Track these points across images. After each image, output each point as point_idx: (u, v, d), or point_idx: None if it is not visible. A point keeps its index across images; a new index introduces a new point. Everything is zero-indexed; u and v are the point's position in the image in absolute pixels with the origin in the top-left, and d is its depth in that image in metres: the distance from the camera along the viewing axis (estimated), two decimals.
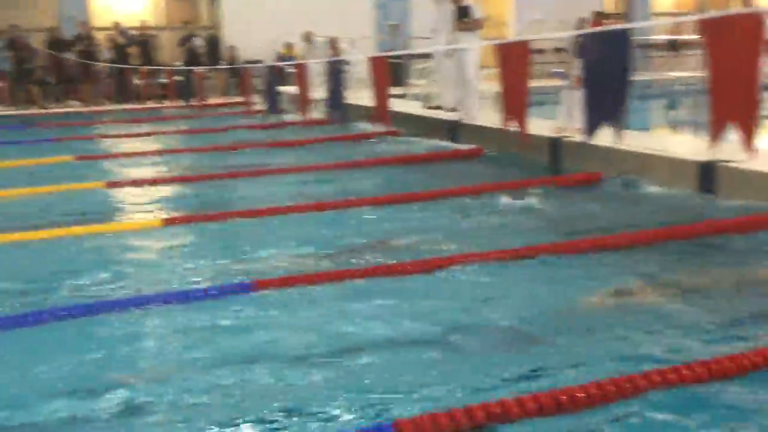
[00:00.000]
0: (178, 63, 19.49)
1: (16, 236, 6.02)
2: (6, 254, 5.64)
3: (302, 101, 14.26)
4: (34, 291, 4.75)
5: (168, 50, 20.82)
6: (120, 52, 19.05)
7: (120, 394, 3.29)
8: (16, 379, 3.49)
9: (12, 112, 17.49)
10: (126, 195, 7.92)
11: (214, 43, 20.26)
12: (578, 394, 2.99)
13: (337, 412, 3.09)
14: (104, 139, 13.34)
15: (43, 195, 7.96)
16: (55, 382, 3.43)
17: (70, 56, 18.35)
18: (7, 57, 17.92)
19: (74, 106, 18.37)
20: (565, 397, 2.97)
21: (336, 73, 12.65)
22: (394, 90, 12.14)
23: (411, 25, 20.38)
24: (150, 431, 3.01)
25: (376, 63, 10.92)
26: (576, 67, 8.47)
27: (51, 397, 3.29)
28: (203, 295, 4.44)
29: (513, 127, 7.82)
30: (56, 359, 3.68)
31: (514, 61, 7.79)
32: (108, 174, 9.26)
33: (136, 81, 19.27)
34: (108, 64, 19.07)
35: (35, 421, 3.12)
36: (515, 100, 7.72)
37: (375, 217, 6.36)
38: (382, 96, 10.75)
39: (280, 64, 16.69)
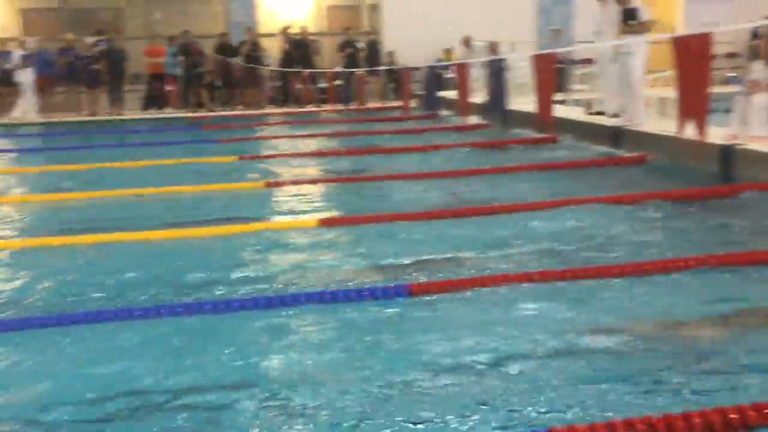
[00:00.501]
0: (338, 68, 19.86)
1: (180, 233, 6.23)
2: (168, 249, 5.84)
3: (462, 105, 14.18)
4: (193, 284, 4.88)
5: (328, 55, 21.27)
6: (284, 57, 19.60)
7: (267, 390, 3.30)
8: (168, 367, 3.57)
9: (182, 114, 18.33)
10: (284, 194, 8.06)
11: (373, 48, 20.51)
12: (749, 413, 2.78)
13: (489, 418, 2.98)
14: (266, 141, 13.72)
15: (207, 192, 8.23)
16: (206, 373, 3.49)
17: (238, 61, 19.02)
18: (179, 62, 18.78)
19: (239, 109, 19.05)
20: (735, 415, 2.76)
21: (497, 75, 12.48)
22: (555, 96, 11.84)
23: (574, 30, 19.89)
24: (297, 428, 2.99)
25: (541, 63, 10.65)
26: (754, 71, 7.96)
27: (202, 387, 3.34)
28: (357, 296, 4.42)
29: (688, 132, 7.33)
30: (210, 351, 3.75)
31: (693, 59, 7.25)
32: (268, 174, 9.48)
33: (298, 85, 19.76)
34: (272, 67, 19.63)
35: (178, 408, 3.17)
36: (694, 102, 7.21)
37: (532, 221, 6.17)
38: (545, 97, 10.49)
39: (440, 64, 16.66)
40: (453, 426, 2.96)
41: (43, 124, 17.12)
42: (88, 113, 18.27)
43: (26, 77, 17.38)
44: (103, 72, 18.31)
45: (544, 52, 11.44)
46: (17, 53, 17.43)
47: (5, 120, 17.70)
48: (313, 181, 8.71)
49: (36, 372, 3.61)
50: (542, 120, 10.67)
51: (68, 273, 5.23)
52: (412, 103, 18.18)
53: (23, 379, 3.54)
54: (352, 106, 19.17)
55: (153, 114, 18.55)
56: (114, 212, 7.39)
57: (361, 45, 20.19)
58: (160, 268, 5.25)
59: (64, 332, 4.03)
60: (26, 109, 17.50)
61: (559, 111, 11.59)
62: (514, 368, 3.43)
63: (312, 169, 9.77)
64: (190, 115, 18.21)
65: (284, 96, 19.97)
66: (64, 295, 4.72)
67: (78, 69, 18.18)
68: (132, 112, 18.79)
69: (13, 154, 12.53)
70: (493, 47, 16.58)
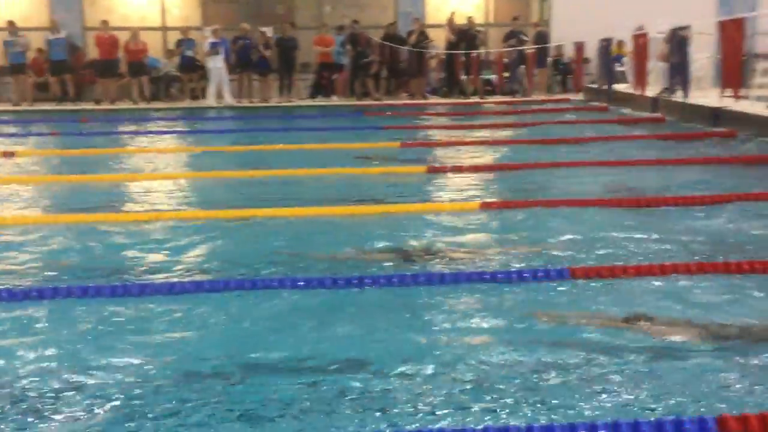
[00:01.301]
0: (504, 60, 19.64)
1: (343, 210, 6.35)
2: (327, 226, 5.97)
3: (636, 97, 13.72)
4: (353, 259, 4.97)
5: (494, 47, 21.05)
6: (449, 47, 19.56)
7: (426, 365, 3.28)
8: (323, 337, 3.63)
9: (348, 102, 18.65)
10: (446, 179, 8.06)
11: (541, 40, 20.11)
12: None
13: (649, 404, 2.88)
14: (428, 129, 13.75)
15: (371, 175, 8.35)
16: (372, 345, 3.54)
17: (404, 51, 19.12)
18: (347, 52, 19.12)
19: (403, 99, 19.18)
20: None
21: (679, 54, 11.97)
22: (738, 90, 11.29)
23: (757, 22, 18.74)
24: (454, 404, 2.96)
25: (729, 33, 10.06)
26: None
27: (368, 358, 3.38)
28: (518, 277, 4.34)
29: None
30: (372, 324, 3.79)
31: None
32: (429, 160, 9.49)
33: (463, 76, 19.68)
34: (440, 51, 19.60)
35: (345, 377, 3.21)
36: None
37: (699, 214, 5.89)
38: (731, 71, 9.94)
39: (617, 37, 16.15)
40: (609, 409, 2.84)
41: (218, 108, 17.84)
42: (260, 100, 18.91)
43: (215, 63, 18.04)
44: (274, 60, 18.91)
45: (735, 17, 10.77)
46: (209, 41, 18.14)
47: (186, 104, 18.60)
48: (475, 168, 8.63)
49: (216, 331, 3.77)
50: (729, 84, 10.06)
51: (243, 243, 5.49)
52: (581, 96, 17.77)
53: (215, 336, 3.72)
54: (518, 97, 18.90)
55: (320, 101, 18.98)
56: (280, 190, 7.62)
57: (525, 37, 19.84)
58: (328, 242, 5.41)
59: (239, 296, 4.20)
60: (214, 93, 18.16)
61: (739, 105, 10.99)
62: (672, 355, 3.30)
63: (474, 157, 9.68)
64: (355, 103, 18.51)
65: (448, 86, 19.94)
66: (234, 263, 4.90)
67: (251, 57, 18.84)
68: (300, 99, 19.31)
69: (193, 136, 13.15)
70: (670, 39, 15.85)
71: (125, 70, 18.69)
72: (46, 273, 4.74)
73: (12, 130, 14.05)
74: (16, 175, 8.79)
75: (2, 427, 2.89)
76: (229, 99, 18.22)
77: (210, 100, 18.20)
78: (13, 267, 4.90)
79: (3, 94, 18.96)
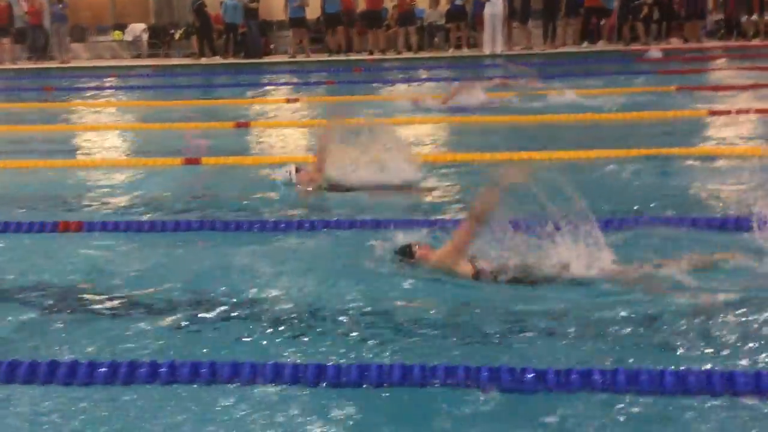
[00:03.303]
0: None
1: (617, 153, 6.15)
2: (600, 168, 5.83)
3: None
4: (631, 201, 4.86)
5: None
6: None
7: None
8: None
9: (616, 47, 17.89)
10: (728, 122, 7.63)
11: None
12: None
13: None
14: (706, 73, 12.88)
15: (643, 119, 7.96)
16: None
17: None
18: None
19: (675, 43, 18.09)
20: None
21: None
22: None
23: None
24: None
25: None
26: None
27: None
28: None
29: None
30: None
31: None
32: (708, 103, 8.92)
33: (743, 16, 18.19)
34: None
35: None
36: None
37: None
38: None
39: None
40: None
41: (489, 56, 17.68)
42: (522, 47, 18.61)
43: (493, 10, 17.85)
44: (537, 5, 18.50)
45: None
46: None
47: (450, 53, 18.77)
48: (762, 111, 8.00)
49: None
50: None
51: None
52: None
53: None
54: None
55: (586, 48, 18.32)
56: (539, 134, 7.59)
57: None
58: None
59: None
60: (489, 40, 18.01)
61: None
62: None
63: (757, 100, 8.97)
64: (623, 48, 17.75)
65: (727, 28, 18.53)
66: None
67: (513, 4, 18.52)
68: (564, 46, 18.71)
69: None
70: None
71: (393, 20, 19.15)
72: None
73: (294, 79, 14.92)
74: (296, 120, 9.38)
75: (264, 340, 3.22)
76: (499, 47, 18.02)
77: (486, 48, 18.10)
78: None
79: (280, 47, 20.19)
